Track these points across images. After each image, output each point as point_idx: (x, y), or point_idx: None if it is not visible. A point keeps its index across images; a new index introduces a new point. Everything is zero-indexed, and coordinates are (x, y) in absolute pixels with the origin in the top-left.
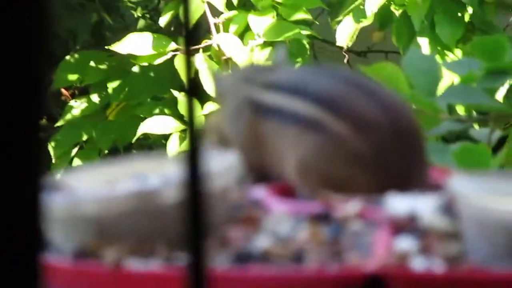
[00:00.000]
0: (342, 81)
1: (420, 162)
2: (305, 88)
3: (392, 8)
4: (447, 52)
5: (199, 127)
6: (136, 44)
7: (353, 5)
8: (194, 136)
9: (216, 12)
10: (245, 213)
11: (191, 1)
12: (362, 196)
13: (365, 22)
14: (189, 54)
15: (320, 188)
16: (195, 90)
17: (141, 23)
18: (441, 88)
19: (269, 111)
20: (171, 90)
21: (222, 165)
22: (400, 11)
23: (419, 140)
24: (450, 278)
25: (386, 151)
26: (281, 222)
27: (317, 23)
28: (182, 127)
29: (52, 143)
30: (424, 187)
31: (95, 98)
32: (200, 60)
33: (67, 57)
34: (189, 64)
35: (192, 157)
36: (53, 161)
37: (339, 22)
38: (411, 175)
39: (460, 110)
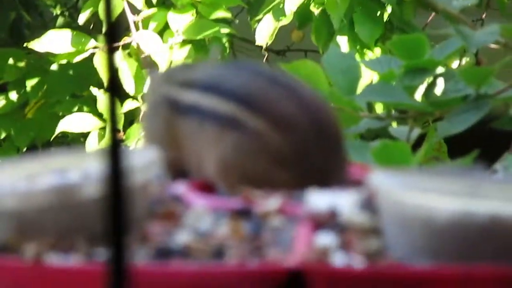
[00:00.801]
0: (261, 78)
1: (339, 158)
2: (223, 86)
3: (312, 7)
4: (366, 51)
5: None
6: (55, 42)
7: (272, 4)
8: (114, 132)
9: (135, 10)
10: (165, 208)
11: None
12: (282, 192)
13: (284, 21)
14: (111, 51)
15: (240, 186)
16: (116, 87)
17: (60, 20)
18: (361, 86)
19: (187, 109)
20: (90, 88)
21: (142, 160)
22: (319, 10)
23: (338, 136)
24: (369, 274)
25: (305, 147)
26: (201, 218)
27: (237, 21)
28: (101, 124)
29: None
30: (344, 183)
31: (13, 96)
32: (119, 58)
33: None
34: (111, 61)
35: (113, 153)
36: None
37: (258, 20)
38: (330, 170)
39: (379, 108)
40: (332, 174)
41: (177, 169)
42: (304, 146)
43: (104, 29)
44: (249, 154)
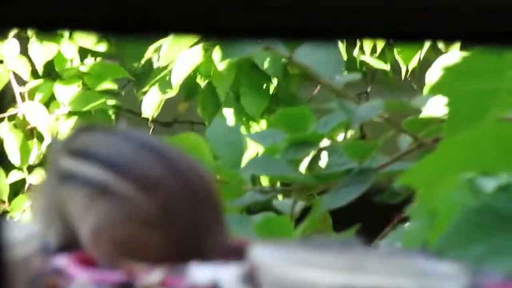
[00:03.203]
0: (131, 143)
1: (214, 221)
2: (93, 152)
3: (198, 79)
4: (252, 124)
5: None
6: None
7: (158, 76)
8: None
9: (21, 81)
10: (47, 282)
11: None
12: (161, 261)
13: (171, 93)
14: None
15: (113, 254)
16: (1, 158)
17: None
18: (246, 159)
19: (66, 177)
20: None
21: (24, 233)
22: (206, 82)
23: (212, 199)
24: None
25: (174, 207)
26: None
27: (123, 93)
28: None
29: None
30: (220, 246)
31: None
32: (5, 129)
33: None
34: None
35: None
36: None
37: (145, 93)
38: (203, 231)
39: (264, 181)
40: (206, 235)
41: (66, 241)
42: (172, 207)
43: None
44: (118, 221)
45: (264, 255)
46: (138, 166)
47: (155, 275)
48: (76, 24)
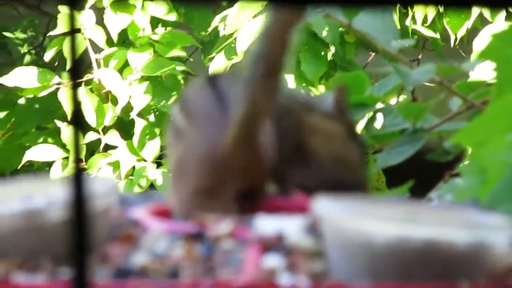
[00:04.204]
0: (214, 98)
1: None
2: (184, 97)
3: None
4: (311, 88)
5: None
6: (23, 78)
7: (224, 44)
8: (78, 161)
9: (97, 49)
10: (124, 232)
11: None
12: (231, 208)
13: (236, 59)
14: (76, 87)
15: (189, 201)
16: (79, 120)
17: (27, 58)
18: None
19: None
20: (55, 120)
21: (104, 187)
22: None
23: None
24: None
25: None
26: (157, 240)
27: (191, 59)
28: (65, 154)
29: None
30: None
31: None
32: (82, 93)
33: None
34: (75, 96)
35: (76, 180)
36: None
37: (211, 59)
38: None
39: None
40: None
41: None
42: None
43: (68, 66)
44: (190, 165)
45: (326, 208)
46: (209, 118)
47: (224, 226)
48: None
